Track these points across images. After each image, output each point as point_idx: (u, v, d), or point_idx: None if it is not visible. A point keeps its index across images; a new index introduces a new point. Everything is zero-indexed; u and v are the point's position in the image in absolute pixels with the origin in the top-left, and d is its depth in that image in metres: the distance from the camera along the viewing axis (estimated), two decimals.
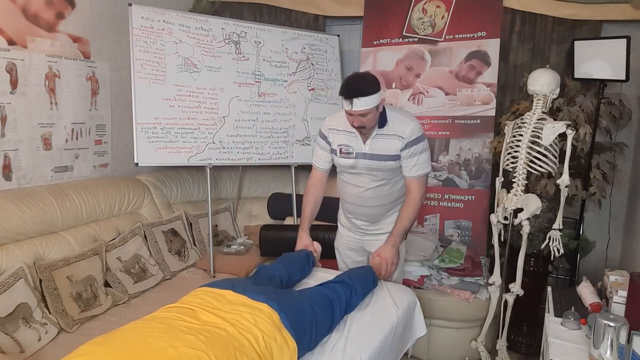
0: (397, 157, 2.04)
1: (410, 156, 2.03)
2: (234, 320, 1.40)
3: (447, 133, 3.12)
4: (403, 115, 2.08)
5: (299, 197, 3.28)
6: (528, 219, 2.20)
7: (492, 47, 3.00)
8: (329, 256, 2.49)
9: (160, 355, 1.16)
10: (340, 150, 2.12)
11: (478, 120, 3.04)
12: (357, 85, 1.90)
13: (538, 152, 2.17)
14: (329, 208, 2.48)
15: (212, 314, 1.41)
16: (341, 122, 2.10)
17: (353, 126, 1.99)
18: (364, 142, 2.06)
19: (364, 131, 2.00)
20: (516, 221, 2.23)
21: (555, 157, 2.18)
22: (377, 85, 1.92)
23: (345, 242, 2.36)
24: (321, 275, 2.15)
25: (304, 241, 2.26)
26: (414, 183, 2.08)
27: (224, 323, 1.38)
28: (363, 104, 1.87)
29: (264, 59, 3.16)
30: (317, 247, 2.30)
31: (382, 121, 2.02)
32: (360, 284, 1.90)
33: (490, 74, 3.00)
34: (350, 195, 2.19)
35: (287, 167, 3.38)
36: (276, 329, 1.43)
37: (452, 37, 3.11)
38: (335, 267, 2.40)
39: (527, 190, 2.32)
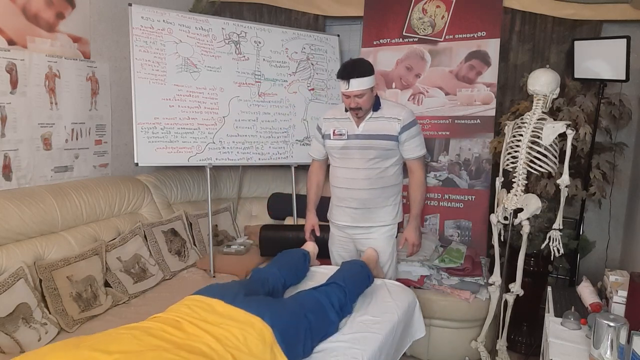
0: (394, 138, 2.17)
1: (410, 138, 2.18)
2: (220, 336, 1.33)
3: (447, 133, 3.12)
4: (395, 103, 2.34)
5: (299, 197, 3.30)
6: (528, 219, 2.20)
7: (492, 47, 3.00)
8: (327, 256, 2.49)
9: (140, 357, 1.13)
10: (334, 132, 2.25)
11: (478, 120, 3.04)
12: (354, 67, 2.10)
13: (538, 152, 2.17)
14: (328, 208, 2.47)
15: (197, 327, 1.35)
16: (336, 112, 2.31)
17: (350, 108, 2.14)
18: (358, 125, 2.20)
19: (359, 113, 2.15)
20: (516, 221, 2.23)
21: (555, 157, 2.18)
22: (371, 68, 2.13)
23: (337, 242, 2.39)
24: (321, 273, 2.13)
25: (311, 220, 2.45)
26: (416, 164, 2.24)
27: (209, 338, 1.31)
28: (359, 84, 2.05)
29: (264, 59, 3.16)
30: (314, 248, 2.33)
31: (376, 105, 2.20)
32: (353, 284, 1.85)
33: (490, 74, 3.00)
34: (342, 178, 2.26)
35: (287, 167, 3.38)
36: (267, 348, 1.36)
37: (452, 37, 3.11)
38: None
39: (527, 190, 2.32)
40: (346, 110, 2.22)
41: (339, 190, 2.29)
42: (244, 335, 1.35)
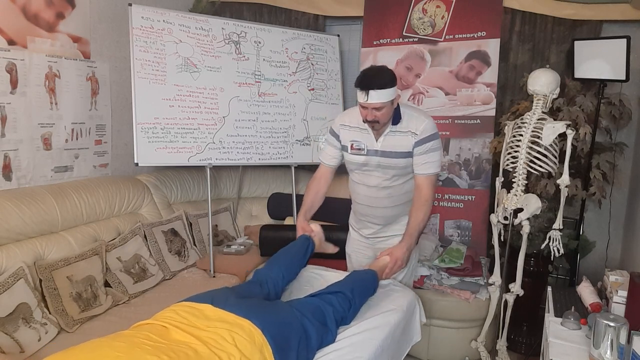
0: (409, 155, 1.99)
1: (422, 153, 1.98)
2: (208, 339, 1.30)
3: (447, 133, 3.12)
4: (417, 112, 2.05)
5: (299, 197, 3.27)
6: (528, 219, 2.21)
7: (492, 47, 3.00)
8: (330, 257, 2.47)
9: None
10: (352, 146, 2.07)
11: (478, 120, 3.04)
12: (374, 77, 1.87)
13: (538, 152, 2.17)
14: (330, 208, 2.46)
15: (185, 332, 1.32)
16: (353, 119, 2.08)
17: (366, 120, 1.94)
18: (377, 139, 2.02)
19: (376, 126, 1.96)
20: (516, 221, 2.23)
21: (555, 157, 2.18)
22: (394, 79, 1.89)
23: (357, 247, 2.30)
24: (321, 277, 2.10)
25: (301, 224, 2.16)
26: (424, 181, 2.01)
27: (196, 342, 1.28)
28: (379, 96, 1.84)
29: (264, 59, 3.16)
30: (315, 227, 2.16)
31: (396, 118, 1.98)
32: (359, 297, 1.77)
33: (490, 74, 3.00)
34: (362, 196, 2.14)
35: (287, 167, 3.38)
36: (256, 349, 1.33)
37: (452, 37, 3.11)
38: (340, 268, 2.34)
39: (527, 190, 2.32)
40: (365, 122, 1.99)
41: (361, 207, 2.19)
42: (232, 336, 1.33)
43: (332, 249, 2.22)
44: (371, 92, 1.83)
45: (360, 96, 1.88)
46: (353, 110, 2.09)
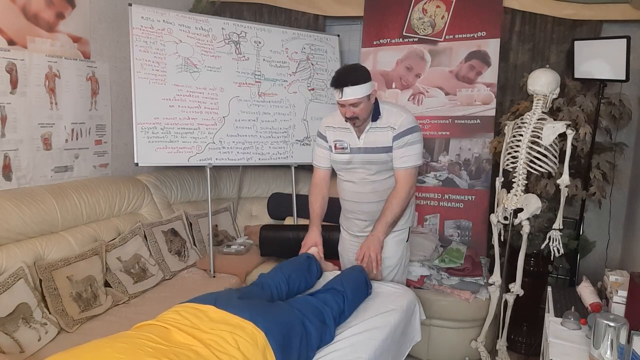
0: (390, 149, 2.05)
1: (400, 147, 2.02)
2: (210, 341, 1.30)
3: (447, 133, 3.12)
4: (396, 108, 2.12)
5: (299, 197, 3.30)
6: (528, 219, 2.21)
7: (492, 47, 3.00)
8: (330, 256, 2.47)
9: None
10: (335, 146, 2.14)
11: (478, 120, 3.04)
12: (347, 74, 1.96)
13: (538, 152, 2.17)
14: (330, 208, 2.46)
15: (187, 334, 1.32)
16: (336, 120, 2.16)
17: (346, 118, 2.02)
18: (359, 137, 2.08)
19: (357, 123, 2.03)
20: (516, 221, 2.23)
21: (555, 157, 2.18)
22: (367, 75, 1.96)
23: (349, 247, 2.32)
24: (330, 276, 2.08)
25: (314, 238, 2.22)
26: (401, 174, 2.06)
27: (198, 344, 1.29)
28: (353, 92, 1.92)
29: (264, 59, 3.16)
30: (313, 251, 2.21)
31: (375, 114, 2.05)
32: (351, 289, 1.81)
33: (490, 74, 3.00)
34: (349, 192, 2.20)
35: (287, 167, 3.38)
36: (259, 351, 1.33)
37: (452, 37, 3.11)
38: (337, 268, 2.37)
39: (527, 190, 2.32)
40: (346, 120, 2.06)
41: (347, 203, 2.23)
42: (235, 338, 1.33)
43: (331, 267, 2.27)
44: (345, 89, 1.92)
45: (336, 94, 1.96)
46: (338, 113, 2.14)
